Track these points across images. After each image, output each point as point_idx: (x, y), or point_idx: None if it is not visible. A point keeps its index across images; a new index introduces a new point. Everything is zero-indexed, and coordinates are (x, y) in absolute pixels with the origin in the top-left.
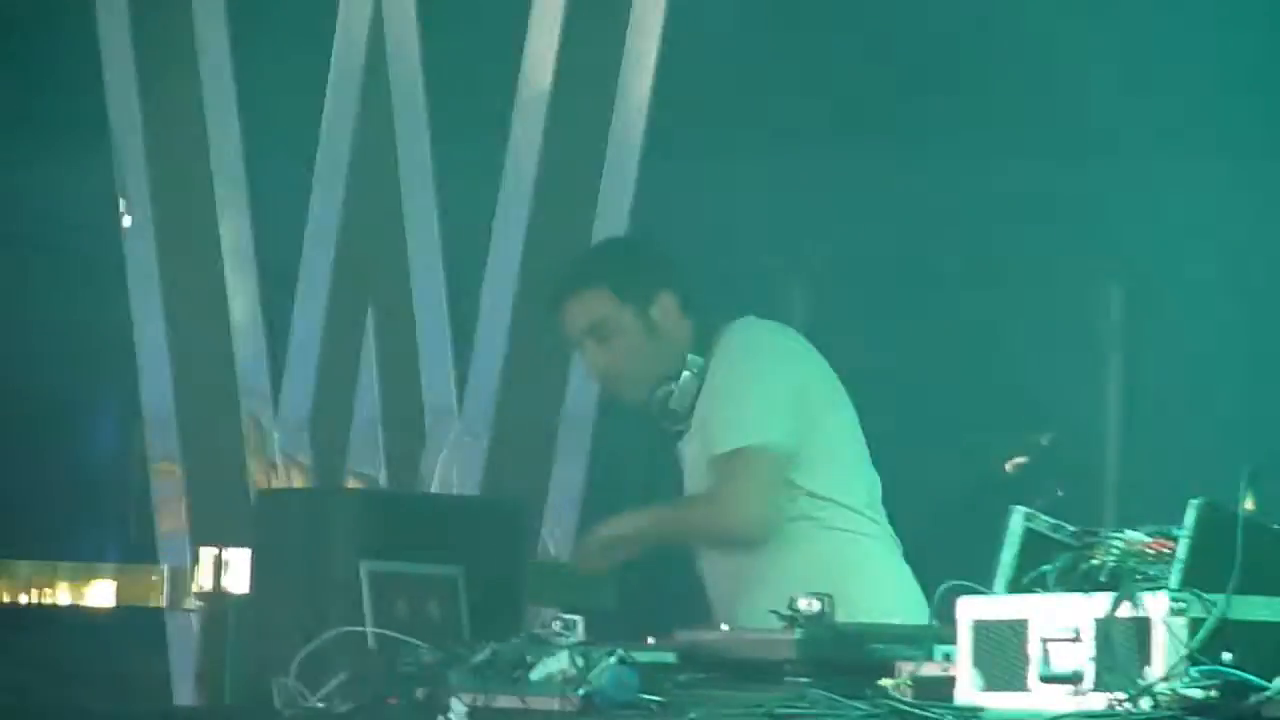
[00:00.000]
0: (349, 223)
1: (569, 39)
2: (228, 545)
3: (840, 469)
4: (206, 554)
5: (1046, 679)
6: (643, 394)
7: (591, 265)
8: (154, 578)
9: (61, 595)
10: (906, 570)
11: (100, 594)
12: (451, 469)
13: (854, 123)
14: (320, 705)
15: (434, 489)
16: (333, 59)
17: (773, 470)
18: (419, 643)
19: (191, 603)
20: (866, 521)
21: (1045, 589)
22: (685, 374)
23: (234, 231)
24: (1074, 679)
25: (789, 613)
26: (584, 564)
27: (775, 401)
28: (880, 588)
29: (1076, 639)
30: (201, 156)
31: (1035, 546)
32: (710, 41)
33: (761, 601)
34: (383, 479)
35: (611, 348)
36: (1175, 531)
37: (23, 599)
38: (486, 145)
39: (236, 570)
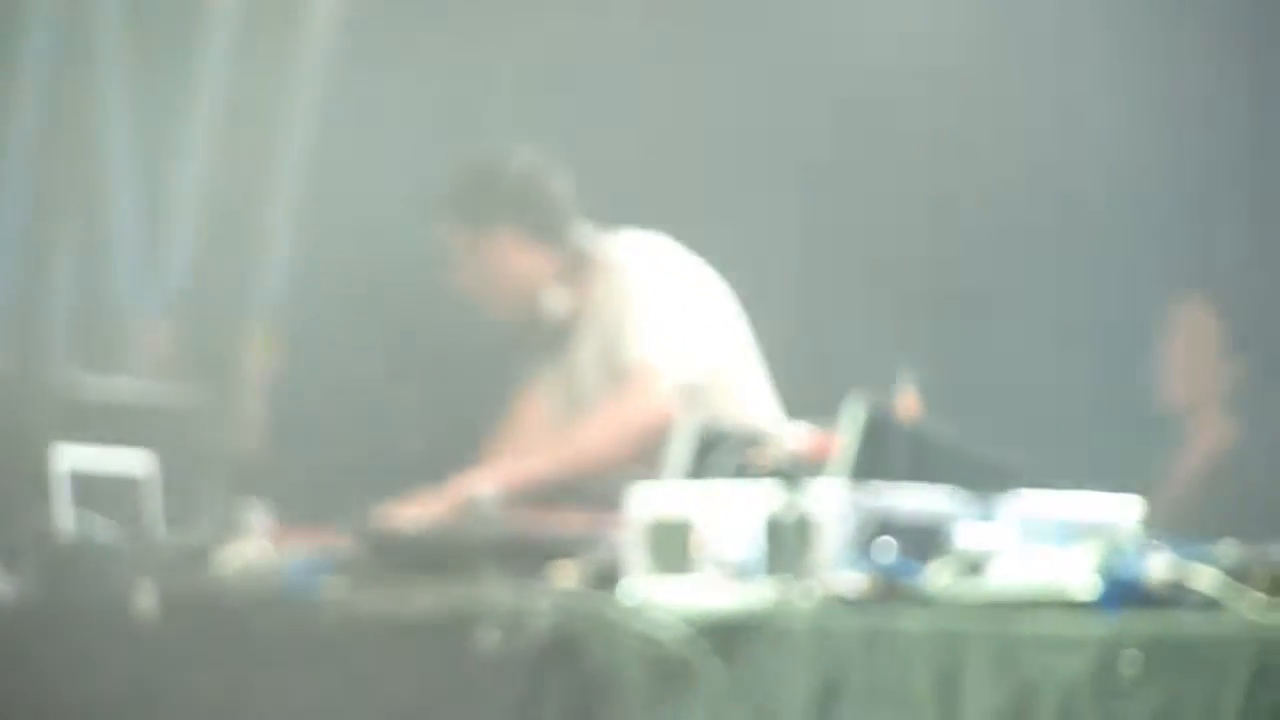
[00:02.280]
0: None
1: None
2: None
3: None
4: None
5: (714, 568)
6: (503, 316)
7: (447, 191)
8: None
9: None
10: None
11: None
12: (148, 361)
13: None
14: (11, 592)
15: (128, 380)
16: None
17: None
18: (113, 530)
19: None
20: None
21: (714, 478)
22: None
23: None
24: (741, 568)
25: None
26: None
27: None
28: None
29: (744, 529)
30: None
31: (706, 437)
32: None
33: None
34: (80, 370)
35: (464, 269)
36: (838, 426)
37: None
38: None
39: None
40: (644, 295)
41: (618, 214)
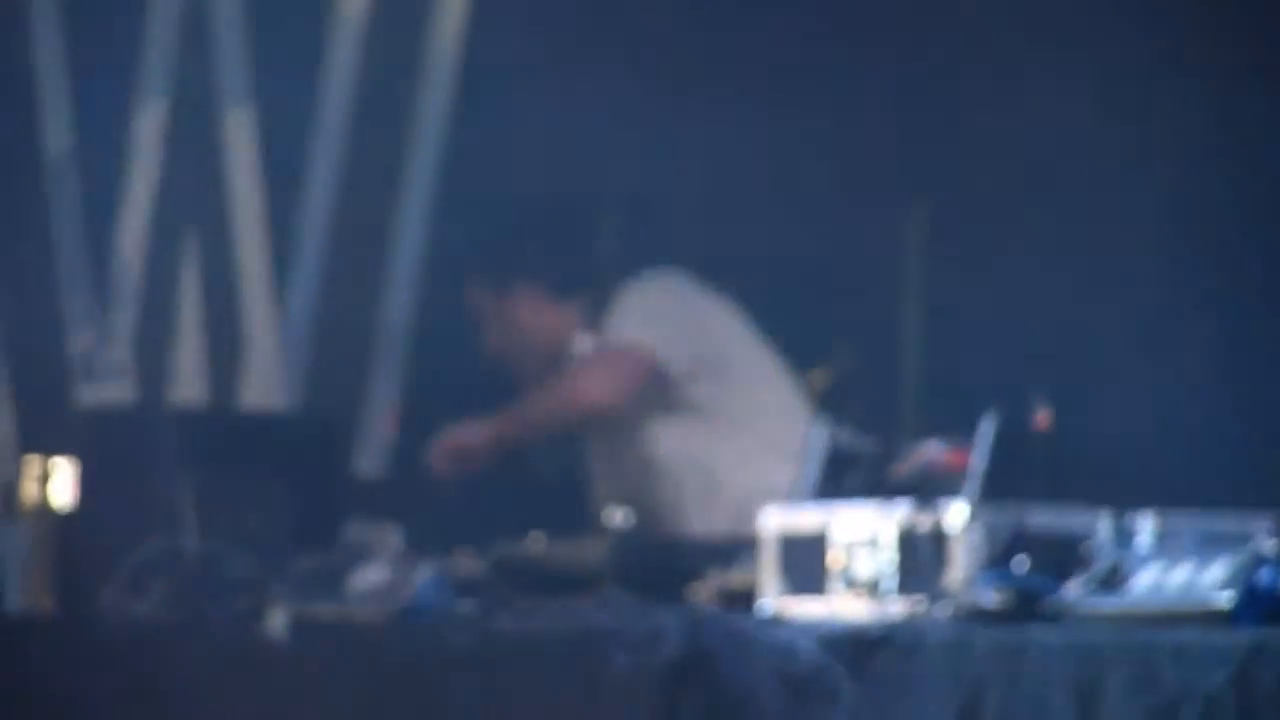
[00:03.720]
0: (170, 144)
1: None
2: (53, 456)
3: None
4: (31, 465)
5: (847, 587)
6: (535, 370)
7: (472, 254)
8: None
9: None
10: None
11: None
12: (271, 386)
13: (666, 58)
14: (144, 615)
15: (254, 406)
16: None
17: (636, 370)
18: (240, 554)
19: (18, 513)
20: None
21: (846, 499)
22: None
23: (58, 149)
24: (875, 587)
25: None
26: (436, 469)
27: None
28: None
29: (876, 547)
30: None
31: (837, 457)
32: None
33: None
34: (204, 395)
35: (491, 333)
36: (972, 443)
37: None
38: (304, 64)
39: (62, 481)
40: (631, 296)
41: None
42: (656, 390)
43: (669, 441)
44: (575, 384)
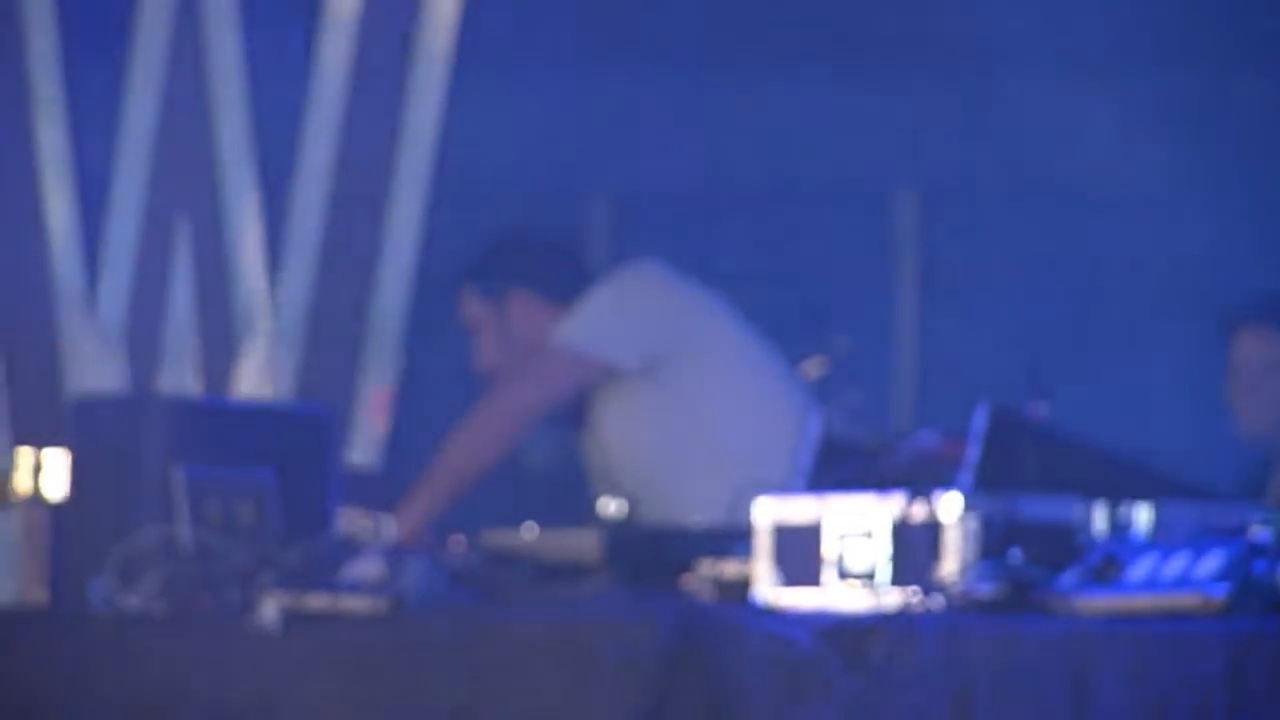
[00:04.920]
0: (162, 132)
1: None
2: (45, 446)
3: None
4: (24, 455)
5: (842, 577)
6: None
7: (466, 263)
8: None
9: None
10: None
11: None
12: (263, 377)
13: (657, 44)
14: (135, 606)
15: (245, 395)
16: None
17: (567, 370)
18: (232, 545)
19: (10, 503)
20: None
21: (841, 489)
22: None
23: (51, 141)
24: (869, 577)
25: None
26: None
27: (615, 314)
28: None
29: (871, 538)
30: (18, 64)
31: (832, 448)
32: None
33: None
34: (196, 386)
35: (484, 343)
36: (966, 434)
37: None
38: (296, 56)
39: (54, 472)
40: (590, 297)
41: None
42: (614, 385)
43: (640, 431)
44: (493, 405)
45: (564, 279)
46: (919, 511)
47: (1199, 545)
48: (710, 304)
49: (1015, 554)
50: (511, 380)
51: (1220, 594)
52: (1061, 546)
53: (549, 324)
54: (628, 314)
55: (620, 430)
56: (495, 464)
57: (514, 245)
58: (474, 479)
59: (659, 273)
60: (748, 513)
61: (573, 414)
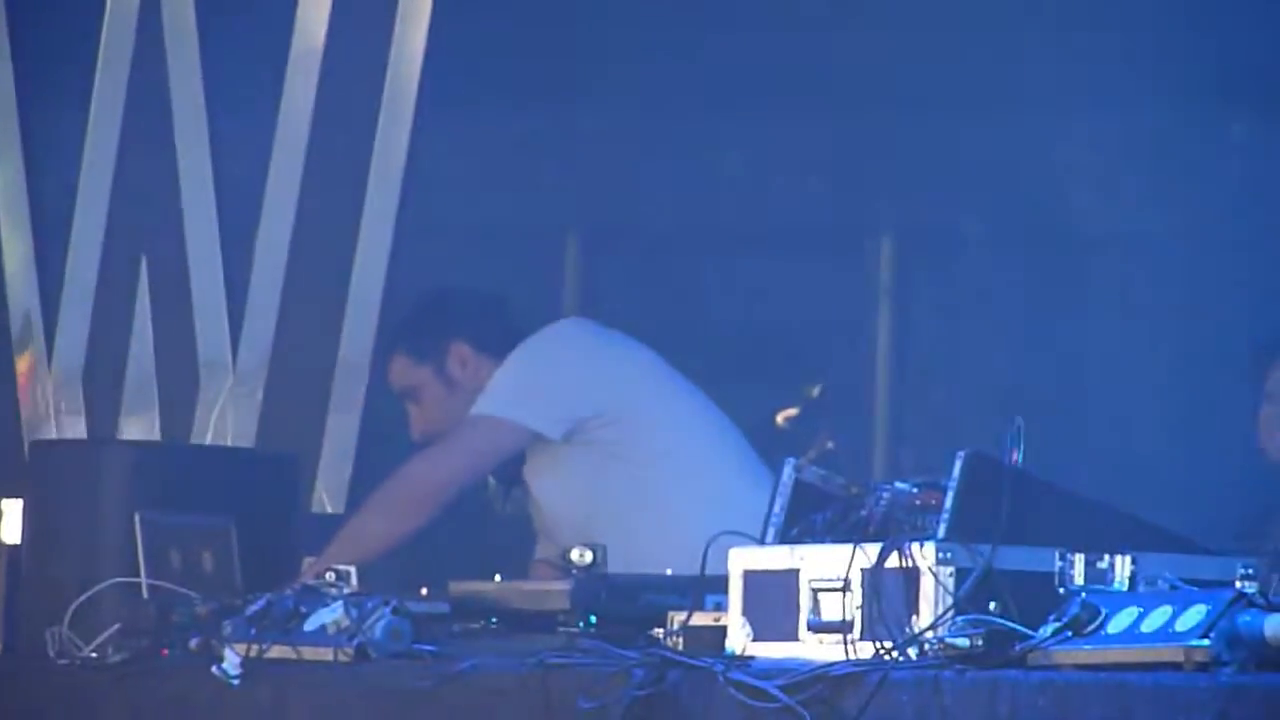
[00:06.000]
0: (122, 173)
1: None
2: (1, 496)
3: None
4: None
5: (816, 628)
6: None
7: (392, 332)
8: None
9: None
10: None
11: None
12: (225, 421)
13: (630, 84)
14: (94, 655)
15: (208, 441)
16: (107, 4)
17: (490, 440)
18: (192, 594)
19: None
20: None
21: (815, 539)
22: None
23: (7, 179)
24: (843, 628)
25: (563, 563)
26: None
27: (536, 380)
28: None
29: (845, 589)
30: None
31: (805, 497)
32: None
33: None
34: (156, 430)
35: (424, 407)
36: (943, 483)
37: None
38: (260, 98)
39: (10, 520)
40: (511, 360)
41: None
42: (542, 448)
43: (572, 492)
44: (412, 476)
45: (497, 330)
46: (894, 562)
47: (1182, 597)
48: (637, 359)
49: (992, 605)
50: (431, 451)
51: (1205, 647)
52: (1040, 597)
53: (489, 377)
54: (548, 379)
55: (554, 492)
56: (409, 537)
57: (444, 301)
58: (383, 551)
59: (581, 333)
60: (698, 566)
61: (508, 475)
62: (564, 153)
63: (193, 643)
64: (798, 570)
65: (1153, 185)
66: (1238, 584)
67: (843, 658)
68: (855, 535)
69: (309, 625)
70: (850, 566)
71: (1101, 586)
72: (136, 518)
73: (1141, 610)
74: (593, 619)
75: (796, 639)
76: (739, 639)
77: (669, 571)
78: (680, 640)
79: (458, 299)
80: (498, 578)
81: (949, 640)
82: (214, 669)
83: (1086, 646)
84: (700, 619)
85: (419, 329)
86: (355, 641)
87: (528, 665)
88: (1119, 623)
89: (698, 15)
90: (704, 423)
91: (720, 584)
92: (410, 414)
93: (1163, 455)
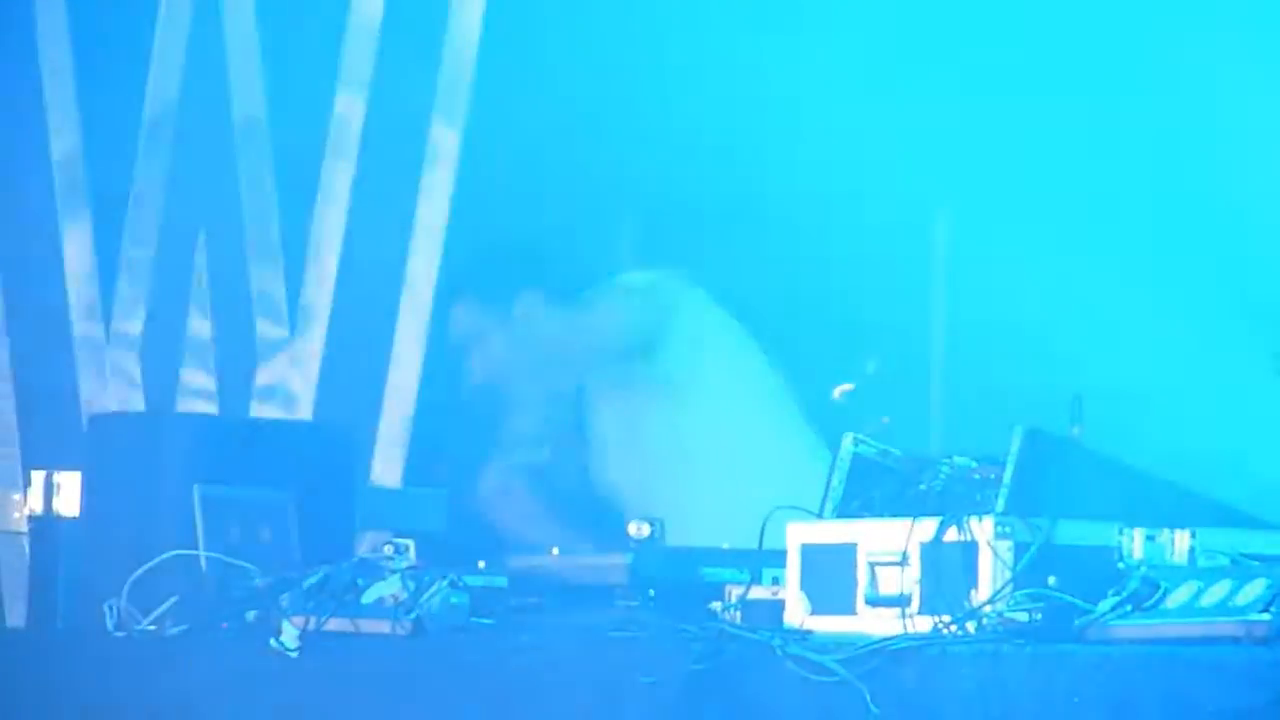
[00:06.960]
0: (180, 141)
1: None
2: (59, 468)
3: None
4: (37, 477)
5: (874, 602)
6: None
7: (461, 278)
8: None
9: None
10: None
11: None
12: (283, 391)
13: (687, 56)
14: (152, 628)
15: (266, 411)
16: None
17: None
18: (250, 566)
19: (22, 525)
20: None
21: (873, 513)
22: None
23: (65, 153)
24: (901, 602)
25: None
26: None
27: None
28: None
29: (904, 563)
30: (33, 77)
31: (863, 471)
32: None
33: None
34: (215, 403)
35: (483, 356)
36: (1001, 457)
37: None
38: (319, 67)
39: (68, 493)
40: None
41: None
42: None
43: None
44: None
45: (566, 279)
46: (952, 536)
47: (1241, 571)
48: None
49: (1051, 580)
50: None
51: (1265, 622)
52: (1099, 572)
53: (558, 324)
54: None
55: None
56: None
57: (513, 250)
58: None
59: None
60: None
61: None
62: (624, 123)
63: (251, 615)
64: (856, 544)
65: None
66: None
67: (901, 632)
68: (913, 509)
69: (367, 598)
70: (908, 540)
71: (1160, 560)
72: (195, 490)
73: (1201, 585)
74: (651, 592)
75: (854, 613)
76: (797, 613)
77: (726, 545)
78: (738, 614)
79: (527, 249)
80: (555, 551)
81: (1008, 615)
82: (272, 641)
83: (1145, 621)
84: (758, 593)
85: (489, 276)
86: (413, 615)
87: (585, 639)
88: (1178, 597)
89: None
90: (762, 392)
91: (778, 558)
92: (474, 359)
93: (1222, 428)
